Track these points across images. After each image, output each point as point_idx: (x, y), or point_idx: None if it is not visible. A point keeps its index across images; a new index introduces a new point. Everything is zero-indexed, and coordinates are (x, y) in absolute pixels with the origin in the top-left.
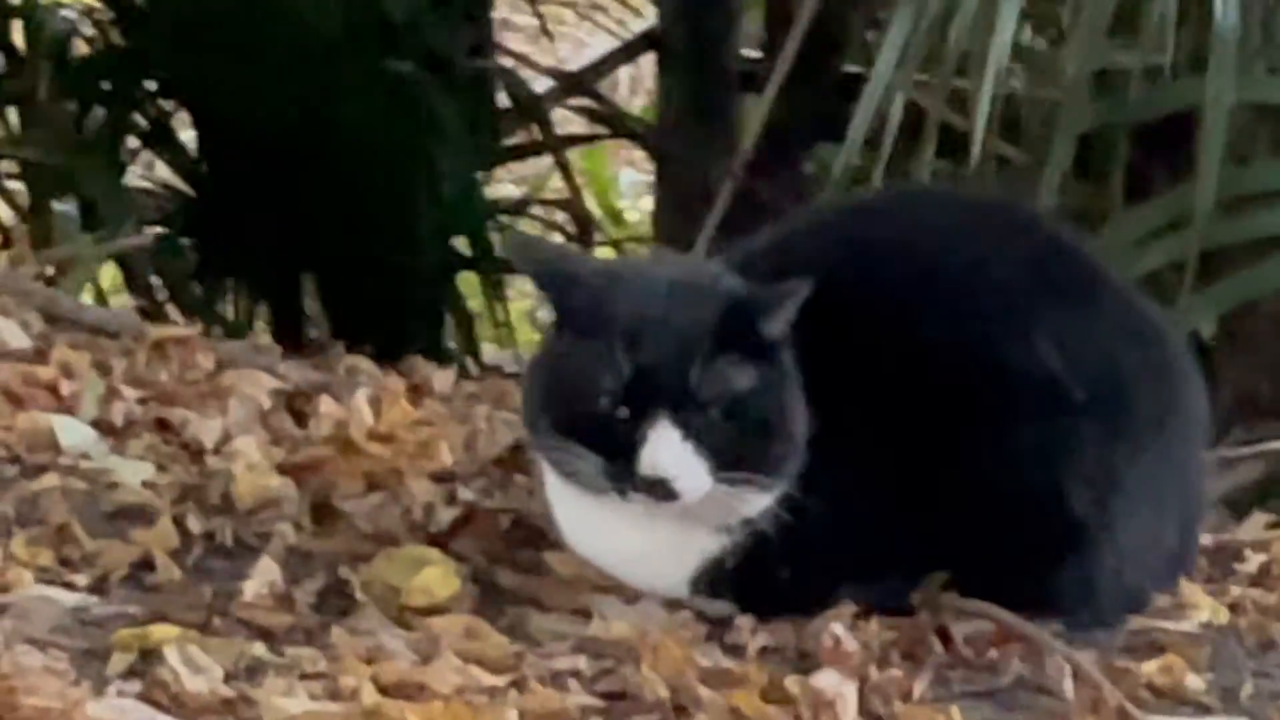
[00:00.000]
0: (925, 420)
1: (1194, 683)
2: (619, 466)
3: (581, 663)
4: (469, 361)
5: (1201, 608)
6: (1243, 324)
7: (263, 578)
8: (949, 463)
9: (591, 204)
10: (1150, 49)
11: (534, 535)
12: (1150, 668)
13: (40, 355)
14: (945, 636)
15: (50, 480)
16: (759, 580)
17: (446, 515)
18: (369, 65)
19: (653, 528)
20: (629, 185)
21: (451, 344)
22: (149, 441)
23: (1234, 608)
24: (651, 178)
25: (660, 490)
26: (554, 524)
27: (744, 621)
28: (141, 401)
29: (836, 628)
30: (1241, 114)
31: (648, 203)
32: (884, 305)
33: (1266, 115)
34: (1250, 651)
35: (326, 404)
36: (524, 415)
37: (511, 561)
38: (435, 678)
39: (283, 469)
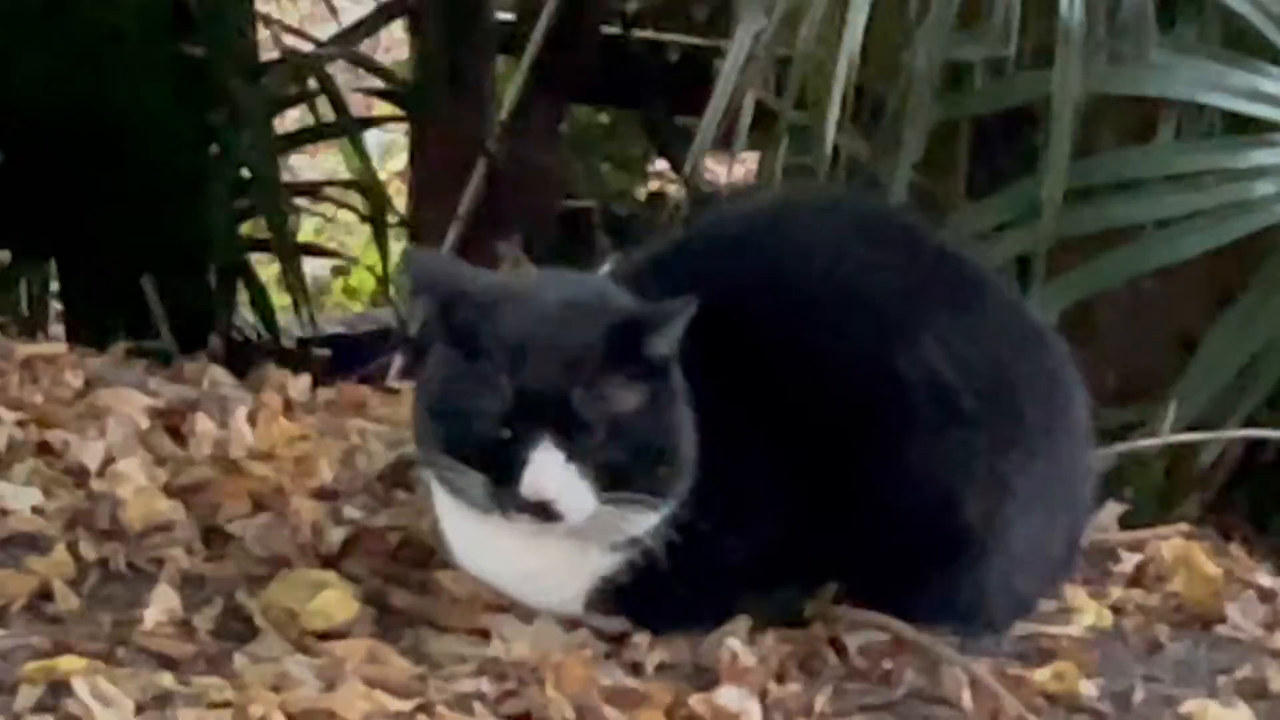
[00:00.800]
0: (816, 432)
1: (1087, 689)
2: (502, 487)
3: (485, 685)
4: (268, 338)
5: (1085, 611)
6: (1088, 314)
7: (161, 605)
8: (841, 474)
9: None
10: (994, 42)
11: (423, 554)
12: (1043, 675)
13: None
14: (839, 648)
15: None
16: (653, 597)
17: (336, 535)
18: (159, 48)
19: (544, 547)
20: (376, 145)
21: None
22: (33, 465)
23: (1116, 610)
24: (401, 136)
25: (543, 512)
26: (444, 543)
27: (640, 639)
28: (20, 424)
29: (733, 642)
30: (1084, 105)
31: (397, 163)
32: (772, 318)
33: (1109, 106)
34: (1138, 655)
35: (203, 422)
36: (413, 433)
37: (403, 581)
38: (342, 704)
39: (169, 491)
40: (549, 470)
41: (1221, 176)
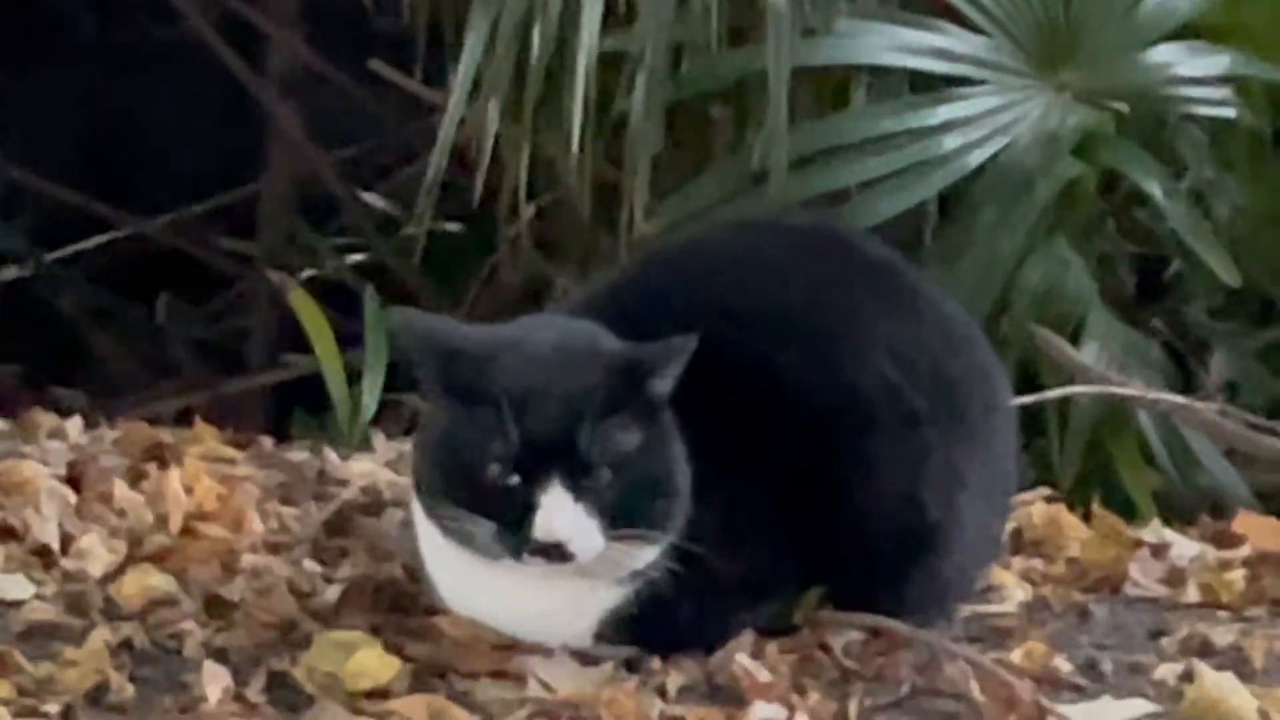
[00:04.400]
0: (785, 448)
1: (1061, 665)
2: (513, 532)
3: None
4: None
5: (1010, 585)
6: None
7: (217, 683)
8: (813, 486)
9: None
10: (696, 25)
11: (404, 601)
12: (1016, 656)
13: None
14: (827, 650)
15: None
16: (658, 623)
17: (331, 593)
18: None
19: (550, 587)
20: None
21: None
22: (8, 552)
23: (1029, 581)
24: None
25: (555, 553)
26: (431, 588)
27: (654, 664)
28: None
29: (743, 659)
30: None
31: None
32: (730, 343)
33: (803, 77)
34: (1073, 625)
35: (120, 487)
36: (415, 486)
37: (405, 630)
38: None
39: (136, 563)
40: (560, 513)
41: (914, 135)
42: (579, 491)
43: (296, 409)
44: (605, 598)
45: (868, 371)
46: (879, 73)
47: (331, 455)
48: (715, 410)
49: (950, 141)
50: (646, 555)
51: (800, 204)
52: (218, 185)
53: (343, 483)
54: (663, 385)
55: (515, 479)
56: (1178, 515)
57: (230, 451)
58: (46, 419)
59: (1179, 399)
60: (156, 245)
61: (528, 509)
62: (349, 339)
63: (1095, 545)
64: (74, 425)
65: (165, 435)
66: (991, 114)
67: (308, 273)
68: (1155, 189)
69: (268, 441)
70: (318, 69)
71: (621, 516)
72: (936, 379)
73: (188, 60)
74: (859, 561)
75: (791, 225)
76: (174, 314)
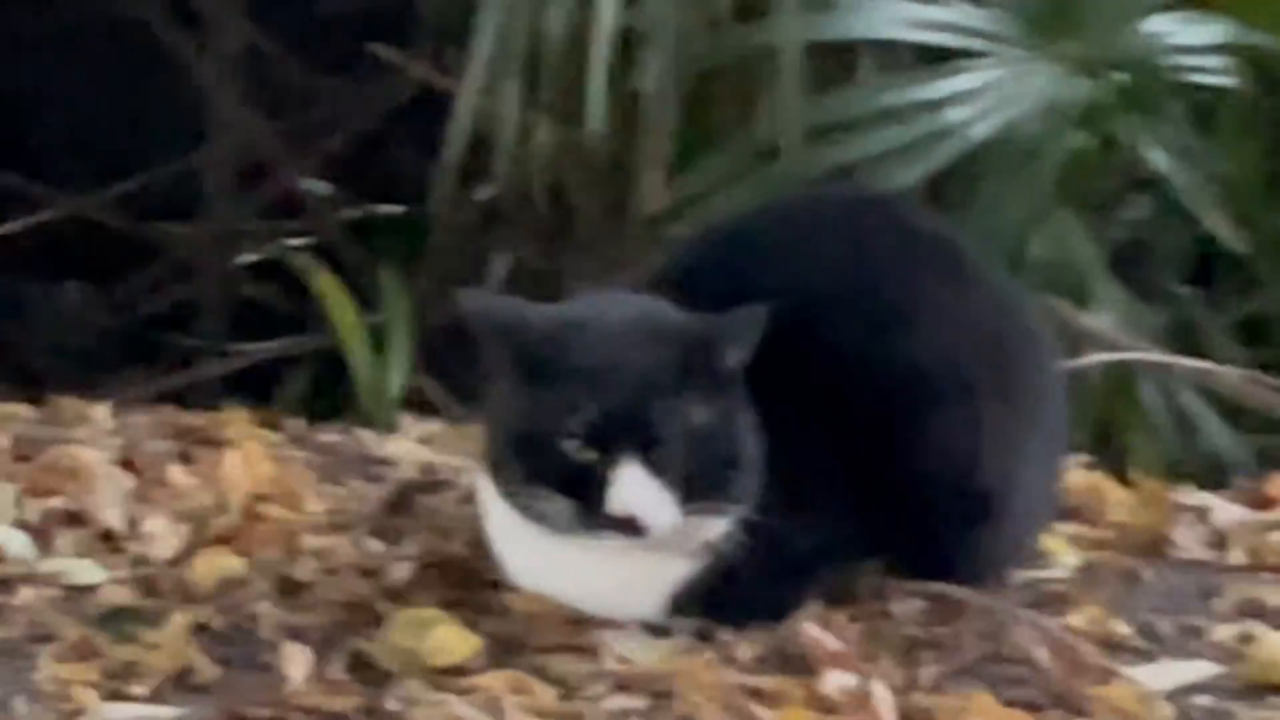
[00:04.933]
0: (847, 420)
1: (1119, 628)
2: (588, 508)
3: (628, 700)
4: None
5: (1060, 552)
6: None
7: (299, 662)
8: (873, 457)
9: None
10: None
11: (471, 578)
12: (1079, 621)
13: None
14: (889, 619)
15: (28, 595)
16: (729, 595)
17: (401, 571)
18: None
19: (623, 561)
20: None
21: None
22: (77, 536)
23: (1074, 546)
24: None
25: (630, 528)
26: (500, 565)
27: (724, 635)
28: (31, 494)
29: (813, 629)
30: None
31: None
32: (790, 318)
33: (809, 53)
34: (1127, 589)
35: (175, 471)
36: (484, 464)
37: (478, 608)
38: None
39: (203, 545)
40: (635, 487)
41: (920, 108)
42: (653, 465)
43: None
44: (676, 571)
45: (926, 342)
46: (885, 47)
47: (369, 436)
48: (778, 383)
49: (956, 114)
50: (718, 527)
51: (811, 180)
52: (151, 165)
53: (388, 463)
54: (735, 357)
55: (590, 454)
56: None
57: (268, 434)
58: (71, 404)
59: (1206, 364)
60: (71, 227)
61: (602, 484)
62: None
63: (1138, 510)
64: (102, 411)
65: (193, 419)
66: (995, 86)
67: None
68: (1160, 159)
69: (298, 424)
70: (264, 50)
71: (695, 489)
72: (991, 348)
73: (127, 38)
74: (919, 530)
75: (845, 198)
76: (88, 299)
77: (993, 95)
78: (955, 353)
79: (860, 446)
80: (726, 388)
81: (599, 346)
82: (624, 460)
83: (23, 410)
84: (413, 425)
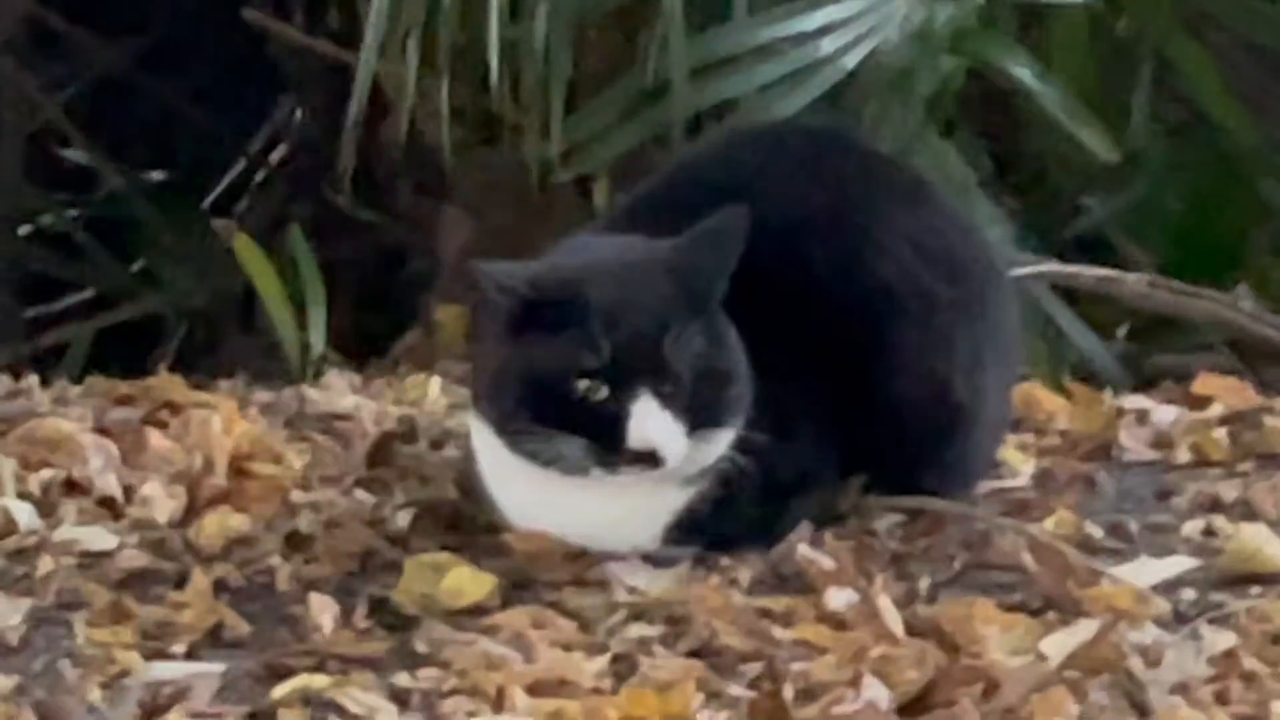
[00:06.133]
0: (819, 342)
1: (1092, 530)
2: (604, 445)
3: (647, 629)
4: None
5: (1015, 461)
6: None
7: (327, 612)
8: (846, 376)
9: None
10: None
11: (466, 522)
12: (1051, 525)
13: None
14: (873, 535)
15: (49, 563)
16: (723, 520)
17: (402, 518)
18: None
19: (621, 495)
20: None
21: None
22: (79, 505)
23: (1023, 453)
24: None
25: (649, 461)
26: (495, 506)
27: (720, 560)
28: (24, 466)
29: (805, 549)
30: None
31: None
32: (761, 243)
33: None
34: (1086, 493)
35: (154, 437)
36: (486, 414)
37: (479, 548)
38: (559, 669)
39: (201, 506)
40: (651, 420)
41: (794, 41)
42: (664, 398)
43: None
44: (673, 500)
45: (889, 262)
46: None
47: (311, 392)
48: (753, 308)
49: (828, 45)
50: (719, 450)
51: (696, 115)
52: None
53: (346, 418)
54: (723, 274)
55: (604, 392)
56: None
57: (206, 396)
58: (2, 380)
59: (1108, 271)
60: None
61: (617, 421)
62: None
63: (1081, 416)
64: (32, 383)
65: (129, 387)
66: (862, 15)
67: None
68: (1027, 77)
69: (229, 384)
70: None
71: (699, 416)
72: (951, 264)
73: None
74: (893, 446)
75: (801, 128)
76: None
77: (860, 24)
78: (921, 271)
79: (834, 368)
80: (714, 311)
81: (601, 287)
82: (639, 395)
83: None
84: (342, 378)
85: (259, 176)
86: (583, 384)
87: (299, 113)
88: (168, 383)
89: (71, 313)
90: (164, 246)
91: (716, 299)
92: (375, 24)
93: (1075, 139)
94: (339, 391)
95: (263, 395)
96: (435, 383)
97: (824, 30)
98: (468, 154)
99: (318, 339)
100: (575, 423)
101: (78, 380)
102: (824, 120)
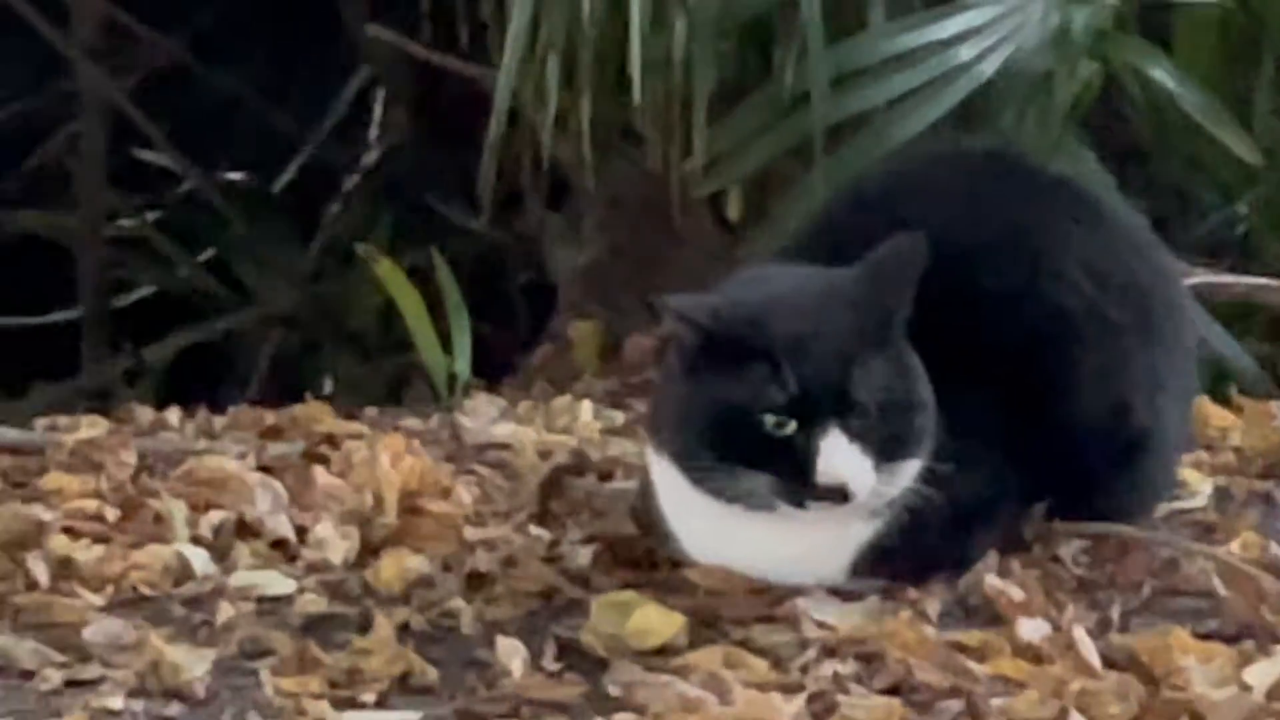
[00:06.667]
0: (999, 370)
1: (1275, 552)
2: (791, 481)
3: (840, 666)
4: None
5: (1194, 481)
6: None
7: (516, 656)
8: (1026, 403)
9: None
10: None
11: (645, 557)
12: (1236, 548)
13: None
14: (1058, 563)
15: (228, 610)
16: (910, 551)
17: (583, 555)
18: None
19: (807, 528)
20: None
21: None
22: (252, 548)
23: (1198, 472)
24: None
25: (838, 496)
26: (674, 541)
27: (907, 591)
28: (192, 508)
29: (992, 579)
30: None
31: None
32: (939, 269)
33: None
34: (1265, 512)
35: (321, 474)
36: (668, 449)
37: (661, 585)
38: (754, 711)
39: (375, 546)
40: (840, 455)
41: (932, 49)
42: (852, 432)
43: None
44: (859, 532)
45: (1065, 286)
46: None
47: (463, 419)
48: (932, 335)
49: (966, 51)
50: (905, 481)
51: (833, 126)
52: None
53: (501, 446)
54: (904, 313)
55: (791, 427)
56: None
57: (359, 426)
58: (143, 411)
59: (1259, 280)
60: None
61: (805, 455)
62: None
63: (1252, 432)
64: (174, 416)
65: (277, 417)
66: (998, 21)
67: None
68: (1166, 80)
69: (373, 411)
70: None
71: (886, 448)
72: (1127, 285)
73: None
74: (1074, 472)
75: (968, 152)
76: None
77: (997, 30)
78: (1097, 295)
79: (1013, 394)
80: (898, 339)
81: (788, 320)
82: (827, 430)
83: (98, 421)
84: (489, 402)
85: (349, 183)
86: (769, 419)
87: (378, 114)
88: (315, 411)
89: (155, 323)
90: (255, 254)
91: (899, 329)
92: (514, 41)
93: (1217, 141)
94: (488, 417)
95: (411, 422)
96: (585, 407)
97: (961, 36)
98: (598, 168)
99: (463, 365)
100: (761, 458)
101: (159, 396)
102: (990, 142)
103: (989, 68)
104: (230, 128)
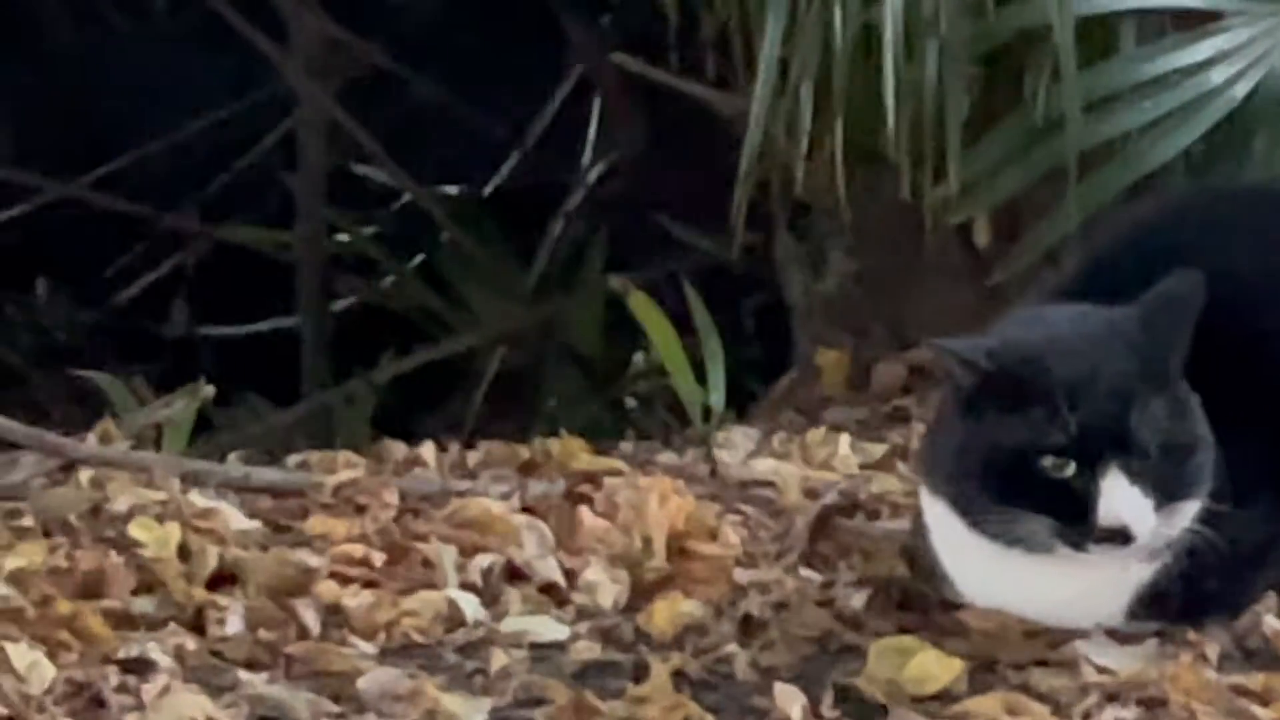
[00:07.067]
0: (1274, 407)
1: None
2: (1072, 523)
3: (1123, 713)
4: None
5: None
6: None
7: (795, 703)
8: None
9: None
10: None
11: (918, 599)
12: None
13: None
14: None
15: (501, 657)
16: (1190, 593)
17: (857, 599)
18: None
19: (1086, 570)
20: None
21: None
22: (522, 592)
23: None
24: None
25: (1119, 539)
26: (949, 583)
27: (1185, 634)
28: (463, 553)
29: (1272, 621)
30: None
31: None
32: (1213, 309)
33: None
34: None
35: (586, 515)
36: (944, 492)
37: (935, 628)
38: None
39: (646, 590)
40: (1121, 497)
41: (1183, 73)
42: (1132, 473)
43: None
44: (1138, 574)
45: None
46: (1142, 15)
47: (722, 455)
48: (1207, 373)
49: (1217, 75)
50: (1185, 522)
51: (1083, 153)
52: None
53: (764, 483)
54: (1182, 353)
55: (1070, 469)
56: None
57: (615, 462)
58: (397, 447)
59: None
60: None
61: (1086, 498)
62: None
63: None
64: (429, 452)
65: (527, 451)
66: (1250, 44)
67: None
68: None
69: (628, 446)
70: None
71: (1166, 489)
72: None
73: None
74: None
75: (1244, 188)
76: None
77: (1248, 53)
78: None
79: None
80: (1176, 378)
81: (1073, 361)
82: (1107, 472)
83: (353, 459)
84: (740, 436)
85: (572, 200)
86: (1049, 461)
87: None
88: (571, 446)
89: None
90: (476, 272)
91: (1177, 368)
92: (766, 70)
93: None
94: (744, 450)
95: (667, 458)
96: (844, 440)
97: (1212, 60)
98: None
99: (718, 399)
100: (1041, 501)
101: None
102: (1251, 182)
103: (1241, 91)
104: (436, 135)
